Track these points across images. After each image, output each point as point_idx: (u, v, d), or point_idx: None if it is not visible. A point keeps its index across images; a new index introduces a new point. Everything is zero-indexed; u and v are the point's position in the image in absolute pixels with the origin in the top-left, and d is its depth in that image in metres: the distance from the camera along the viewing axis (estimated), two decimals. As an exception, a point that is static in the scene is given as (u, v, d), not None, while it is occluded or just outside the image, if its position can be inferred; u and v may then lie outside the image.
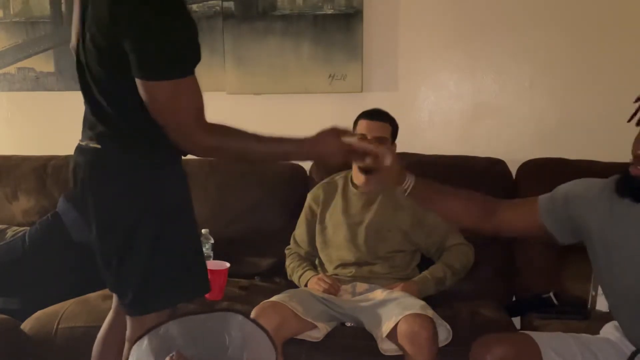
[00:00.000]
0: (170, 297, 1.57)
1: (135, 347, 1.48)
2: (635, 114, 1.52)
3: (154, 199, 1.50)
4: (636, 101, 1.53)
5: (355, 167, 2.38)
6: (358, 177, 2.39)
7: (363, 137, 2.25)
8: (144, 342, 1.48)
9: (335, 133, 1.60)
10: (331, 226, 2.38)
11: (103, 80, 1.46)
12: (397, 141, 2.36)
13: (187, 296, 1.64)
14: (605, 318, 1.87)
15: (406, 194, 1.64)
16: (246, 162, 1.48)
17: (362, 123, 2.31)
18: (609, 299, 1.67)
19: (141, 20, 1.35)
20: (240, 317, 1.50)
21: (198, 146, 1.48)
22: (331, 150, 1.60)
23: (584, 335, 1.67)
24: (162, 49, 1.36)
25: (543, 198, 1.64)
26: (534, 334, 1.65)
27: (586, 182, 1.61)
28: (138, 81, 1.38)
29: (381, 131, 2.28)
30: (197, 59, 1.43)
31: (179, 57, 1.39)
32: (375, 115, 2.31)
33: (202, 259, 1.63)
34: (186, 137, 1.45)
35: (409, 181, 1.64)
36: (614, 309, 1.64)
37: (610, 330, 1.68)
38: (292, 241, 2.52)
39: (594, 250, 1.58)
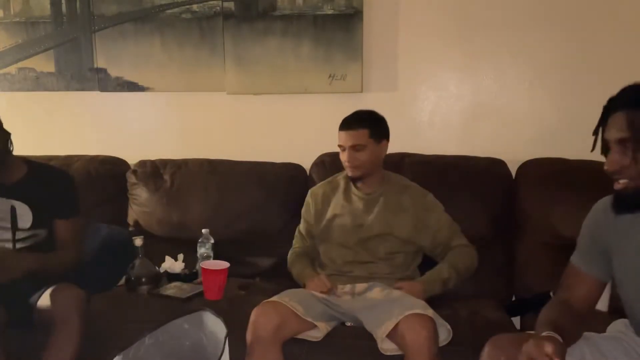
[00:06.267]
0: None
1: None
2: (594, 144, 1.59)
3: None
4: (593, 134, 1.59)
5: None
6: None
7: (341, 148, 2.26)
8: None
9: None
10: (332, 225, 2.38)
11: None
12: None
13: None
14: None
15: None
16: None
17: (339, 135, 2.29)
18: (632, 310, 1.66)
19: None
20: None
21: None
22: None
23: (592, 333, 1.67)
24: None
25: (572, 255, 1.72)
26: None
27: (593, 209, 1.67)
28: None
29: (357, 139, 2.26)
30: None
31: None
32: (349, 124, 2.28)
33: None
34: None
35: None
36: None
37: (620, 329, 1.68)
38: (297, 233, 2.51)
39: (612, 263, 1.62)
